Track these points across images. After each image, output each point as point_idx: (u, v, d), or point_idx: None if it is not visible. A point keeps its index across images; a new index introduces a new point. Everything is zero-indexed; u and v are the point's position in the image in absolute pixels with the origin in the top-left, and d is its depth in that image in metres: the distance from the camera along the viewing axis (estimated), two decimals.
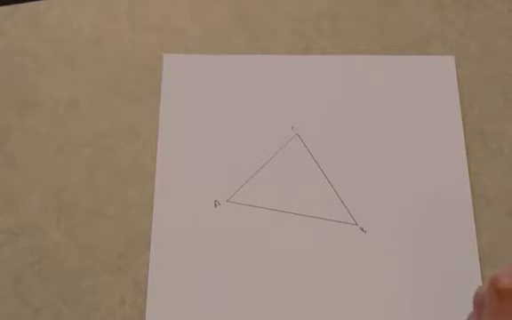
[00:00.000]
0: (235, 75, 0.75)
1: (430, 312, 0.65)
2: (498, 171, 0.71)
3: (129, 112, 0.74)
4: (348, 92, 0.74)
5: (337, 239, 0.68)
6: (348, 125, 0.73)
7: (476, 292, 0.55)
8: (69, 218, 0.69)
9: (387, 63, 0.76)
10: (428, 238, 0.68)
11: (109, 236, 0.68)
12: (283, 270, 0.67)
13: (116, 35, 0.77)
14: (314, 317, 0.64)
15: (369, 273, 0.67)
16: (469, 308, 0.64)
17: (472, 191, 0.70)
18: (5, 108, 0.74)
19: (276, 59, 0.76)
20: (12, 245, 0.68)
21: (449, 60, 0.76)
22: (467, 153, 0.71)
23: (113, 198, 0.70)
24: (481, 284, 0.66)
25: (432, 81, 0.75)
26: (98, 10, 0.79)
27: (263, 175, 0.71)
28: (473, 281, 0.66)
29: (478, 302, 0.54)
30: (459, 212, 0.69)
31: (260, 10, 0.79)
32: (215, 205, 0.69)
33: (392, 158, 0.71)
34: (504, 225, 0.68)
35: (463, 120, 0.73)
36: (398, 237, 0.68)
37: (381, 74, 0.75)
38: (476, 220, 0.69)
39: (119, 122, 0.73)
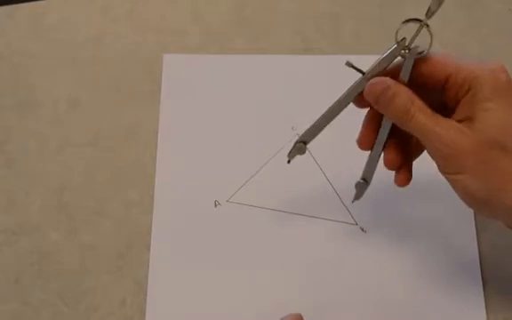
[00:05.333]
0: (235, 75, 0.75)
1: (430, 312, 0.65)
2: None
3: (129, 112, 0.74)
4: None
5: (337, 239, 0.68)
6: (347, 125, 0.73)
7: None
8: (69, 218, 0.69)
9: None
10: (427, 238, 0.68)
11: (109, 235, 0.68)
12: (283, 270, 0.67)
13: (116, 35, 0.77)
14: (314, 317, 0.64)
15: (369, 273, 0.67)
16: (470, 308, 0.64)
17: None
18: (5, 107, 0.74)
19: (276, 59, 0.76)
20: (12, 245, 0.68)
21: None
22: None
23: (113, 198, 0.70)
24: (481, 283, 0.65)
25: None
26: (98, 10, 0.79)
27: (263, 175, 0.71)
28: (473, 281, 0.66)
29: None
30: (459, 212, 0.68)
31: (260, 10, 0.79)
32: (215, 205, 0.69)
33: None
34: (504, 225, 0.68)
35: None
36: (398, 237, 0.68)
37: None
38: (475, 219, 0.69)
39: (119, 122, 0.73)
